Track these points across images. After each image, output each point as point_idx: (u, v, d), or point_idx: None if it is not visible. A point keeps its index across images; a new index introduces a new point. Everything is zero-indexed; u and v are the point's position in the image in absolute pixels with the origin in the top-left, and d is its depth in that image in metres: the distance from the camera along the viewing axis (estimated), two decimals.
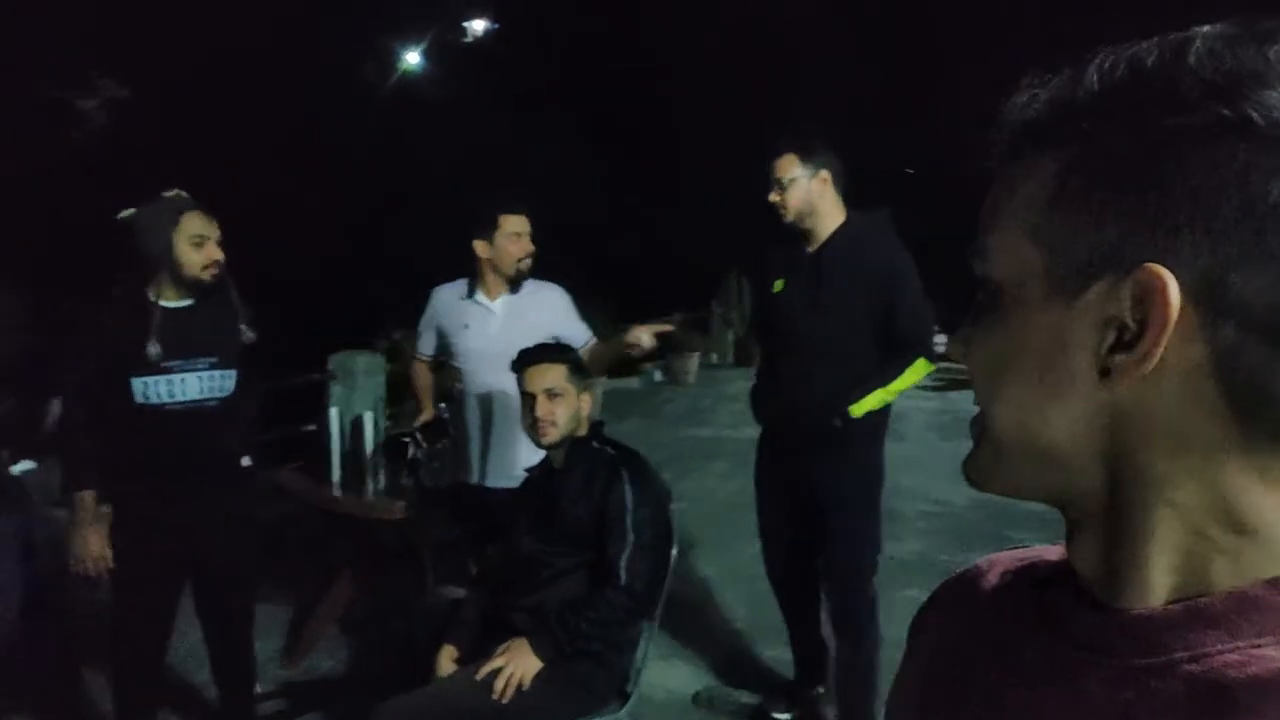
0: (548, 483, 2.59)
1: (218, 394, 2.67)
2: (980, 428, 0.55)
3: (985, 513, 5.22)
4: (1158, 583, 0.49)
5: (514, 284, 3.14)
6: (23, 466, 2.67)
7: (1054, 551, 0.62)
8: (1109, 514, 0.50)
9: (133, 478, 2.61)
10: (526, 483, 2.75)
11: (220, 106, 9.39)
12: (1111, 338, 0.47)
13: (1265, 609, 0.46)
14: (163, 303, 2.62)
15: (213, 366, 2.65)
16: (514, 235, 3.10)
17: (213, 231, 2.61)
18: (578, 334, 3.15)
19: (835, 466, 2.84)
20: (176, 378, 2.59)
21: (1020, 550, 0.67)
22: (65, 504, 2.65)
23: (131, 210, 2.61)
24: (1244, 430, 0.45)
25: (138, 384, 2.56)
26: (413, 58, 13.81)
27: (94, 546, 2.58)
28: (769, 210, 2.84)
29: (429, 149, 10.89)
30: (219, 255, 2.62)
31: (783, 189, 2.80)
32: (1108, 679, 0.48)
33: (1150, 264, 0.45)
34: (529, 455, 2.78)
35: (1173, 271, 0.44)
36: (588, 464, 2.53)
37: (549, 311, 3.16)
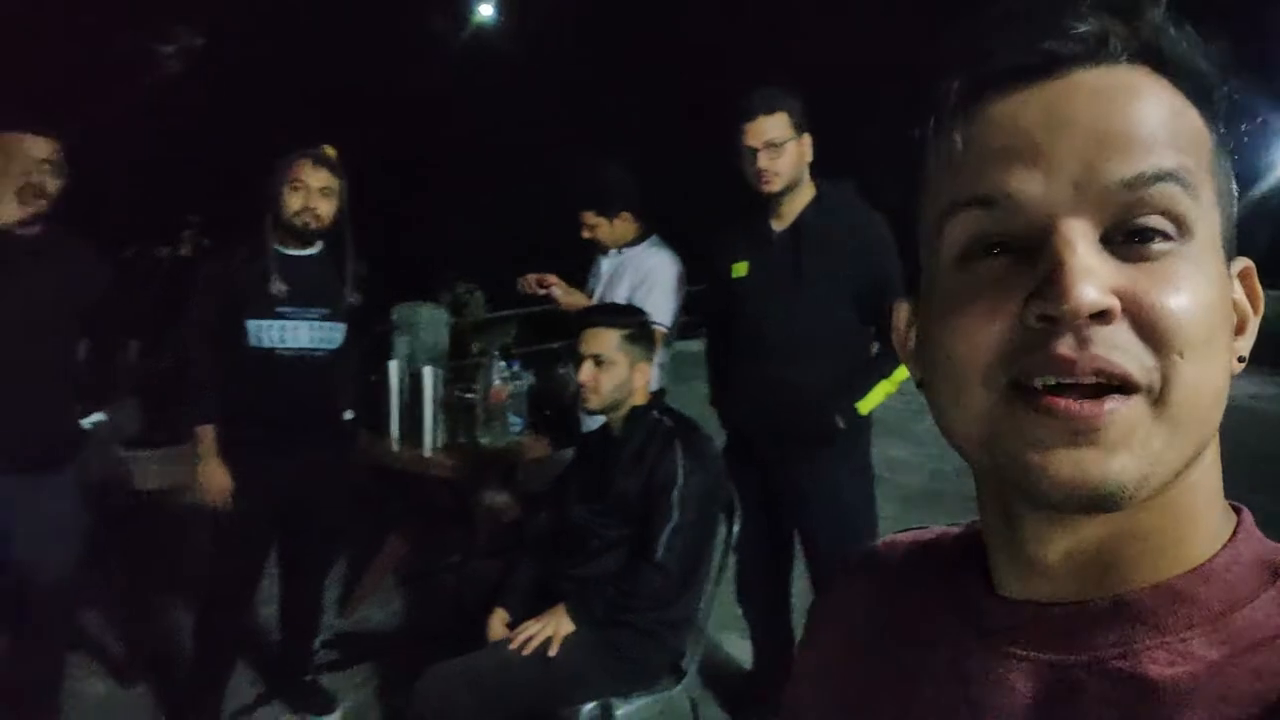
0: (603, 450, 2.50)
1: (327, 345, 2.72)
2: (1146, 402, 0.44)
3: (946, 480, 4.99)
4: (1190, 555, 0.47)
5: (611, 247, 3.13)
6: (94, 418, 2.68)
7: (952, 534, 0.61)
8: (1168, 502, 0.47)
9: (240, 421, 2.66)
10: (581, 448, 2.68)
11: (292, 58, 9.41)
12: (1234, 321, 0.48)
13: (1189, 601, 0.46)
14: (282, 249, 2.68)
15: (324, 318, 2.71)
16: (585, 227, 3.12)
17: (317, 181, 2.65)
18: (654, 310, 2.86)
19: (830, 470, 2.56)
20: (290, 324, 2.65)
21: (918, 531, 0.65)
22: (183, 439, 2.75)
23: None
24: None
25: (253, 326, 2.62)
26: (485, 9, 13.73)
27: (219, 478, 2.65)
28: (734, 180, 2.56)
29: (500, 101, 10.81)
30: (316, 204, 2.65)
31: (776, 152, 2.46)
32: (1035, 675, 0.48)
33: (1247, 260, 0.46)
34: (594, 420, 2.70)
35: None
36: (644, 434, 2.43)
37: (634, 276, 3.05)
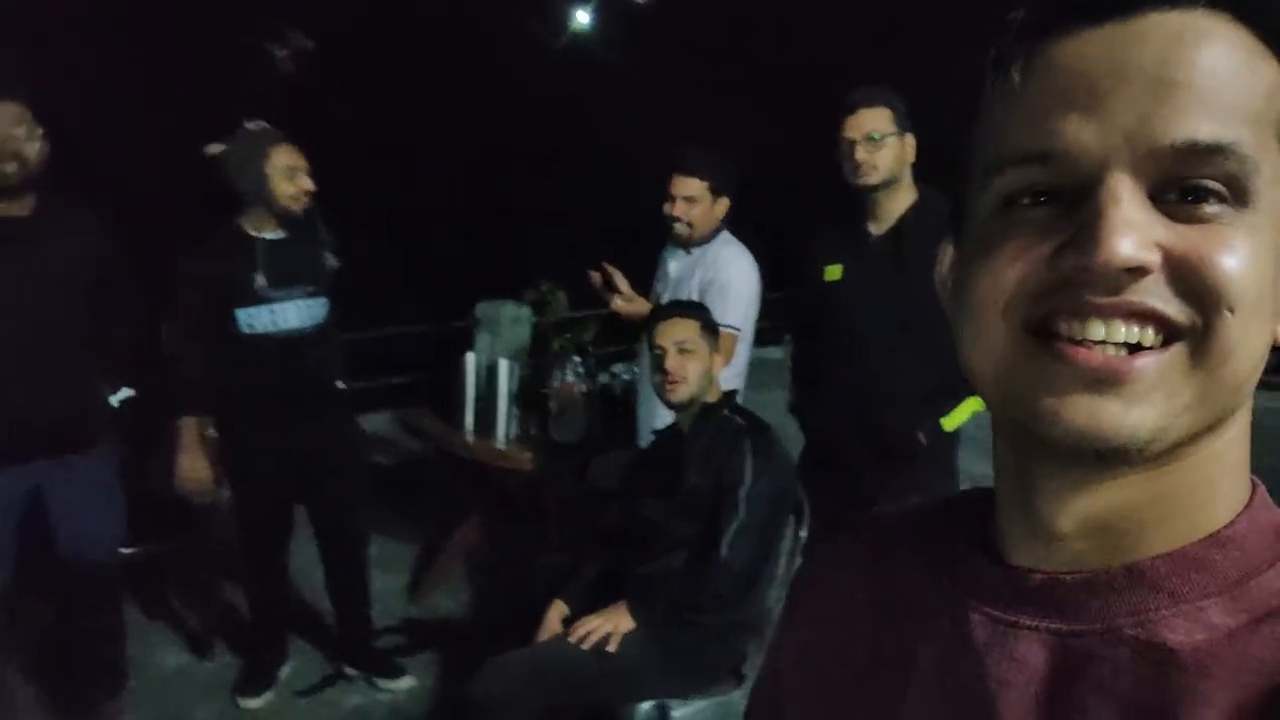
0: (673, 447, 2.47)
1: (314, 321, 2.77)
2: (1185, 353, 0.43)
3: None
4: (1201, 522, 0.46)
5: (683, 244, 2.96)
6: (123, 394, 2.76)
7: (943, 504, 0.60)
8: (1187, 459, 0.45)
9: (239, 405, 2.73)
10: (653, 445, 2.65)
11: (386, 58, 9.64)
12: None
13: (1205, 569, 0.45)
14: (262, 235, 2.70)
15: (309, 295, 2.75)
16: (671, 197, 2.90)
17: (302, 162, 2.67)
18: (717, 312, 2.68)
19: (910, 484, 2.40)
20: (279, 307, 2.69)
21: (899, 506, 0.64)
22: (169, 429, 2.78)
23: (220, 145, 2.67)
24: None
25: (242, 315, 2.67)
26: (583, 16, 13.88)
27: (198, 469, 2.73)
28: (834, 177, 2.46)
29: (591, 106, 10.90)
30: (310, 186, 2.68)
31: (874, 145, 2.40)
32: (1045, 645, 0.47)
33: None
34: (664, 418, 2.67)
35: None
36: (713, 432, 2.39)
37: (705, 274, 2.91)
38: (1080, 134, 0.43)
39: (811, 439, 2.73)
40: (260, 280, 2.66)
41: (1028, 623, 0.48)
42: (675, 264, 3.03)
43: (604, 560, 2.53)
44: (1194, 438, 0.44)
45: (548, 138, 10.34)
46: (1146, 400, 0.42)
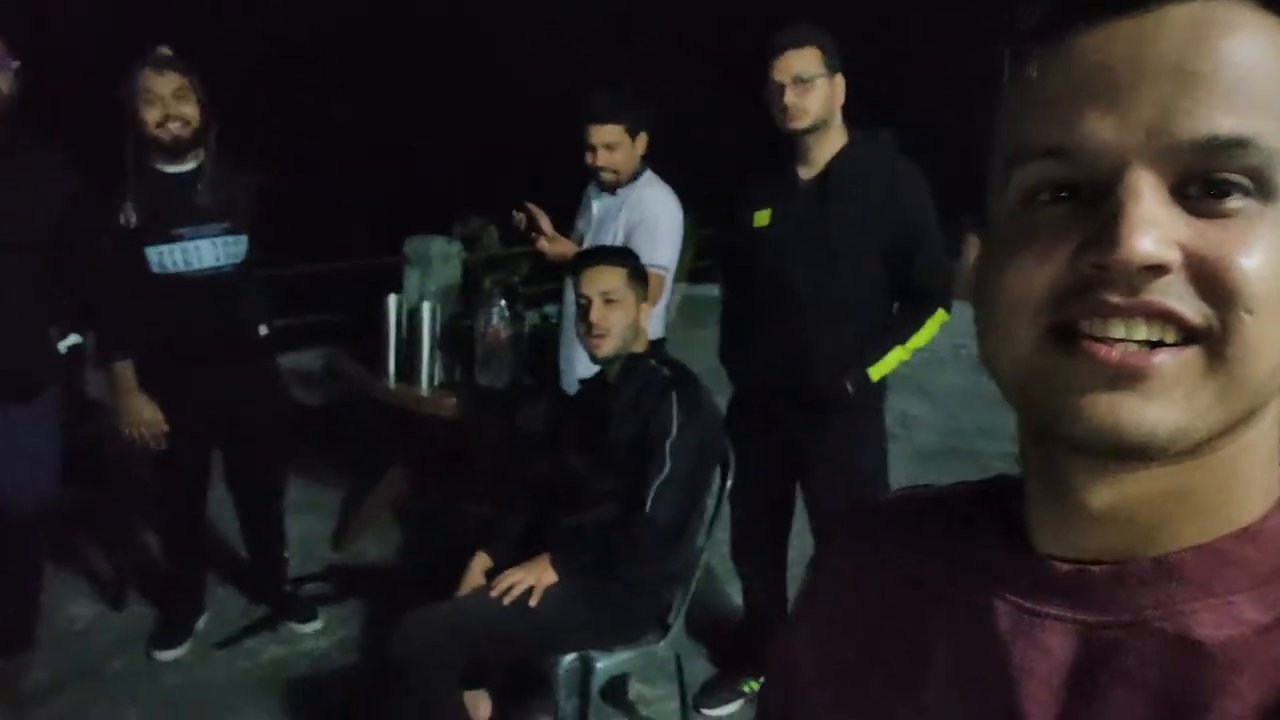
0: (599, 398, 2.42)
1: (232, 260, 2.65)
2: (1205, 355, 0.42)
3: None
4: (1233, 517, 0.46)
5: (609, 188, 2.90)
6: (70, 341, 2.64)
7: (968, 489, 0.60)
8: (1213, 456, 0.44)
9: (155, 348, 2.62)
10: (578, 396, 2.59)
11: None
12: None
13: (1236, 563, 0.45)
14: (163, 168, 2.57)
15: (225, 232, 2.62)
16: (591, 147, 2.84)
17: (166, 86, 2.49)
18: (645, 253, 2.62)
19: (839, 433, 2.45)
20: (191, 245, 2.57)
21: (931, 487, 0.63)
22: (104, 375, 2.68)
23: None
24: None
25: (152, 253, 2.55)
26: None
27: (144, 412, 2.63)
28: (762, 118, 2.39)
29: (527, 37, 10.56)
30: (176, 110, 2.50)
31: (803, 87, 2.30)
32: (1072, 635, 0.47)
33: None
34: (587, 367, 2.60)
35: None
36: (639, 383, 2.34)
37: (631, 215, 2.85)
38: (1100, 128, 0.43)
39: (740, 388, 2.68)
40: (163, 215, 2.53)
41: (1053, 612, 0.48)
42: (599, 204, 2.97)
43: (529, 512, 2.49)
44: (1222, 434, 0.43)
45: (477, 69, 10.02)
46: (1165, 398, 0.42)
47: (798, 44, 2.32)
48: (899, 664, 0.54)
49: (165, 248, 2.55)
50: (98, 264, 2.56)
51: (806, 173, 2.42)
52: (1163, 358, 0.41)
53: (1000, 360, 0.47)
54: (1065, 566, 0.48)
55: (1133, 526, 0.47)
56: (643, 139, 2.87)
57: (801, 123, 2.33)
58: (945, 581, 0.54)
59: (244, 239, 2.67)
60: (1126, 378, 0.42)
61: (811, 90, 2.31)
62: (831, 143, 2.40)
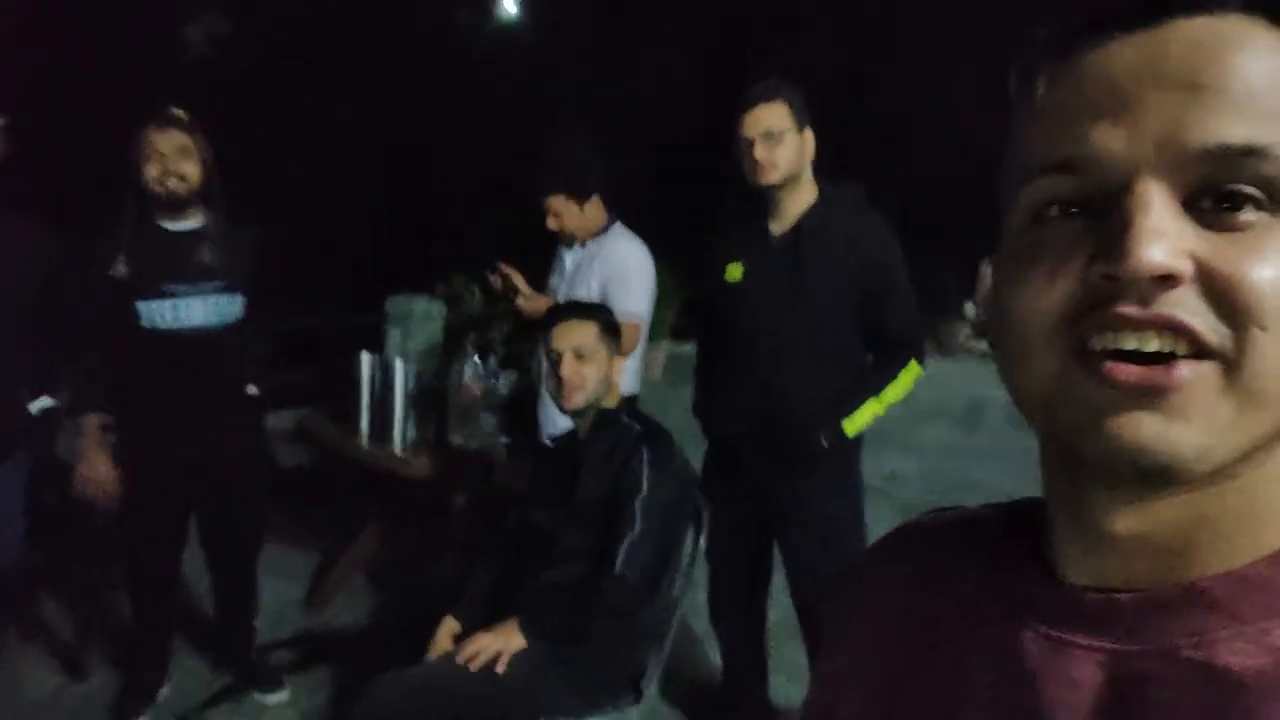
0: (570, 454, 2.38)
1: (224, 319, 2.61)
2: (1220, 369, 0.41)
3: None
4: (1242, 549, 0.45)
5: (578, 237, 2.94)
6: (41, 404, 2.59)
7: (983, 516, 0.59)
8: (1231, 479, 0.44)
9: (139, 404, 2.58)
10: (549, 452, 2.55)
11: (308, 49, 9.34)
12: None
13: (1268, 589, 0.44)
14: (163, 224, 2.57)
15: (219, 291, 2.60)
16: (552, 215, 2.91)
17: (168, 143, 2.52)
18: (619, 303, 2.71)
19: (814, 487, 2.42)
20: (181, 301, 2.55)
21: (957, 510, 0.62)
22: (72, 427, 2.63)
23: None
24: None
25: (143, 308, 2.52)
26: (509, 6, 13.67)
27: (100, 469, 2.58)
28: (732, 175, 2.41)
29: (511, 97, 10.71)
30: (175, 167, 2.52)
31: (773, 142, 2.30)
32: (1100, 665, 0.46)
33: None
34: (563, 422, 2.57)
35: None
36: (611, 439, 2.30)
37: (604, 268, 2.87)
38: (1108, 141, 0.43)
39: (714, 442, 2.65)
40: (156, 272, 2.52)
41: (1082, 641, 0.47)
42: (571, 257, 2.99)
43: (498, 571, 2.43)
44: (1245, 456, 0.43)
45: (464, 127, 10.13)
46: (1185, 416, 0.41)
47: (767, 98, 2.33)
48: (933, 696, 0.53)
49: (155, 303, 2.53)
50: (84, 315, 2.54)
51: (778, 227, 2.42)
52: (1182, 370, 0.41)
53: (1022, 382, 0.47)
54: (1093, 595, 0.48)
55: (1159, 553, 0.46)
56: (594, 202, 2.91)
57: (771, 178, 2.34)
58: (978, 609, 0.54)
59: (239, 298, 2.65)
60: (1148, 394, 0.41)
61: (781, 145, 2.32)
62: (802, 197, 2.40)
